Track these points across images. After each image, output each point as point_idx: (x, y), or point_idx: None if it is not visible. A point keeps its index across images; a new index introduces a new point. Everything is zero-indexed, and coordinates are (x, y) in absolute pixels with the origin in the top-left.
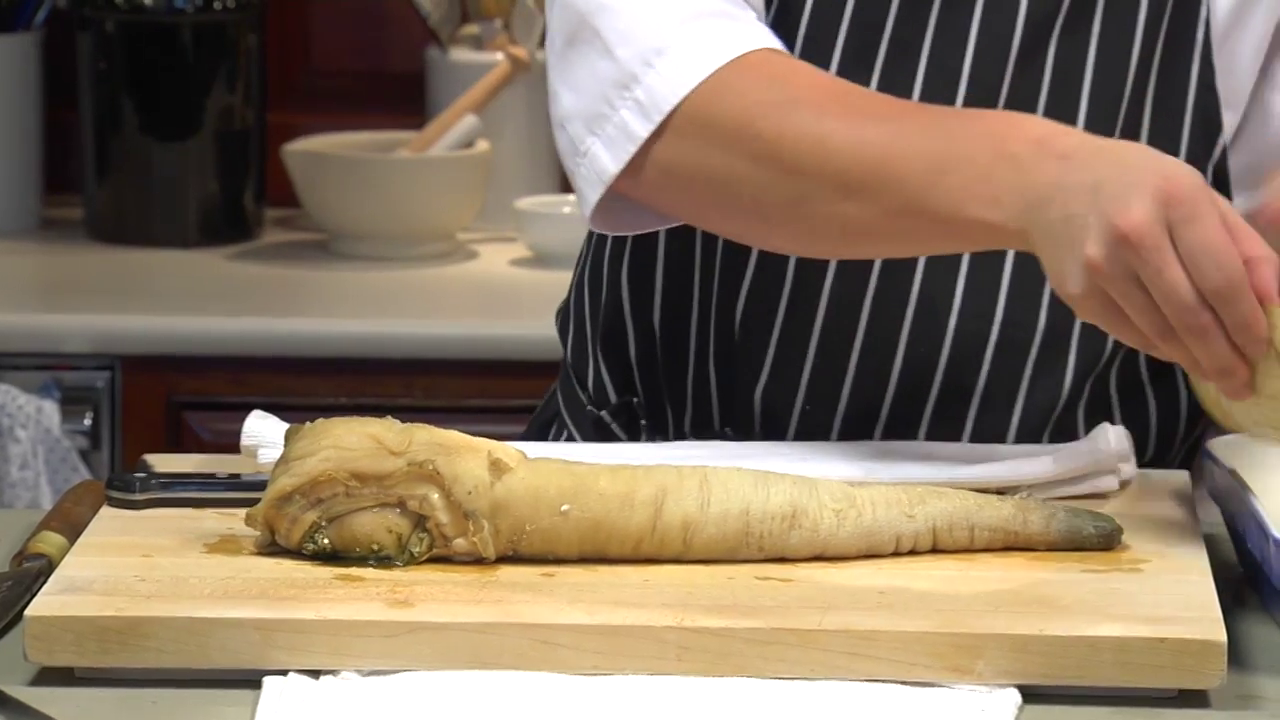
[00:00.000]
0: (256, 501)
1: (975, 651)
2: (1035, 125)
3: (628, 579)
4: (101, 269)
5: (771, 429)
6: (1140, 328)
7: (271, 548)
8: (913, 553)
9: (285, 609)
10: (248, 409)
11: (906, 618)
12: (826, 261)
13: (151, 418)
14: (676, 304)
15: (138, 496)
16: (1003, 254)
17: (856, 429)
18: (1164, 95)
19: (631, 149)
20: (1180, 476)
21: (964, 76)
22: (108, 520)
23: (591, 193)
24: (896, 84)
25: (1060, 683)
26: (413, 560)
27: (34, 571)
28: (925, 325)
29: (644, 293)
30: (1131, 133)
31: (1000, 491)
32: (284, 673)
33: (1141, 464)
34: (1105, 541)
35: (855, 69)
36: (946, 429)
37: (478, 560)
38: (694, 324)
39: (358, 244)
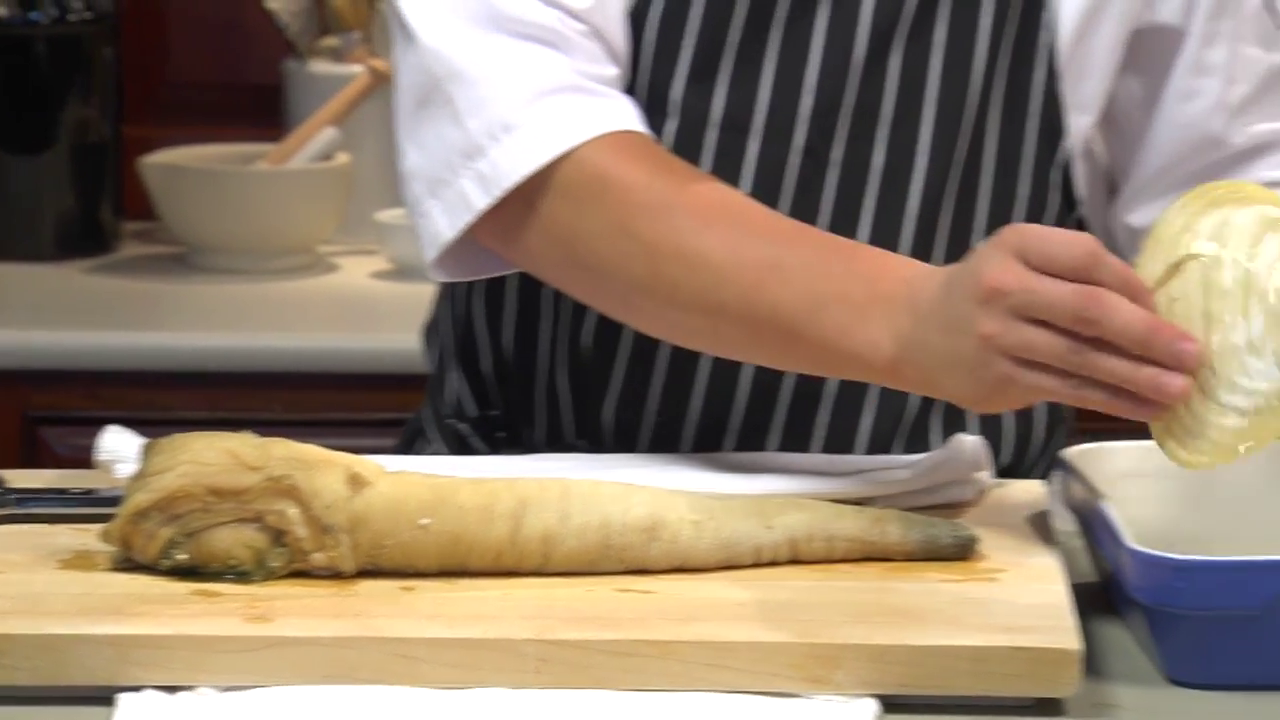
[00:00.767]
0: (112, 517)
1: (834, 662)
2: (903, 266)
3: (488, 592)
4: None
5: (624, 441)
6: (1057, 362)
7: (127, 563)
8: (772, 564)
9: (141, 624)
10: (105, 424)
11: (765, 628)
12: None
13: (6, 432)
14: (528, 320)
15: None
16: None
17: (709, 439)
18: (1010, 100)
19: (468, 218)
20: (1037, 486)
21: (810, 87)
22: None
23: (429, 251)
24: (742, 96)
25: (918, 692)
26: (271, 575)
27: None
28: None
29: (496, 308)
30: (977, 138)
31: (859, 502)
32: (140, 689)
33: (999, 472)
34: (962, 551)
35: (701, 82)
36: (798, 436)
37: (337, 575)
38: (545, 340)
39: (217, 257)
